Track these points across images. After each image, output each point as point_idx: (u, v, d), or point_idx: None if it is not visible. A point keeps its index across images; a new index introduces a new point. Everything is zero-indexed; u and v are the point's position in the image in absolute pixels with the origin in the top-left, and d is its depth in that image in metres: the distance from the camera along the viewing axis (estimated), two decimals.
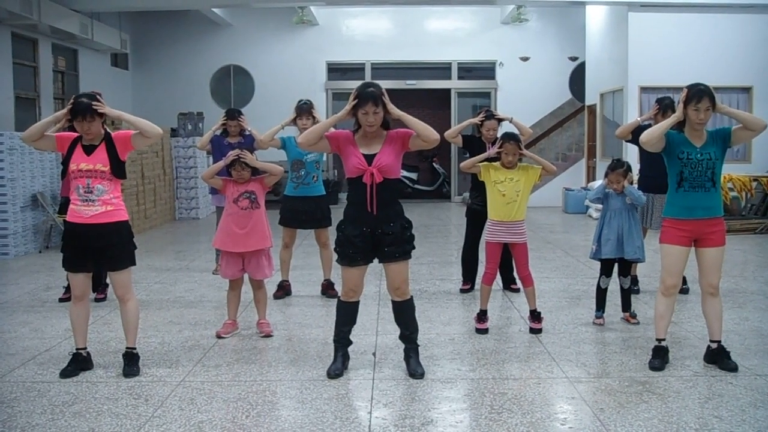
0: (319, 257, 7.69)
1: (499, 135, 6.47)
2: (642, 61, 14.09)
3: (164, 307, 7.22)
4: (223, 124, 8.09)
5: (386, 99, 4.84)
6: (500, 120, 7.36)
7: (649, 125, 6.01)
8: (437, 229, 13.75)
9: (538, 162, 6.30)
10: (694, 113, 4.93)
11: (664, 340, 5.24)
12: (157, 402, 4.63)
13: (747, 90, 14.19)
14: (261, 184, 6.07)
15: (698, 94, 4.93)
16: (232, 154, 6.02)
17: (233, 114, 8.16)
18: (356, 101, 4.81)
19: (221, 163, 6.12)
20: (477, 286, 7.24)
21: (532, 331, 6.18)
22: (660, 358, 5.18)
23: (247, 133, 8.03)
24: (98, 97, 5.04)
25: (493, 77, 19.08)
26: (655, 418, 4.29)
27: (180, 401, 4.64)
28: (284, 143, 7.23)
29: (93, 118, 4.93)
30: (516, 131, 6.54)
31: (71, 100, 4.99)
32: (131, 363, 5.20)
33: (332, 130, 5.19)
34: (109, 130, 5.14)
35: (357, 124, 4.96)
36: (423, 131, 4.83)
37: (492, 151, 6.31)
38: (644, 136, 5.02)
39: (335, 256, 5.16)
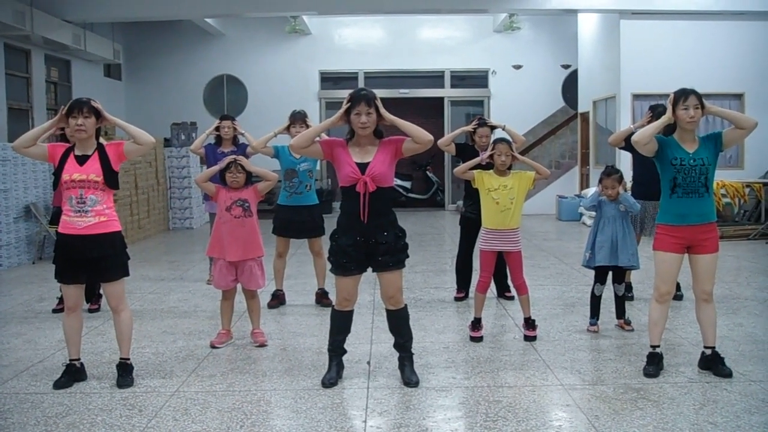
0: (313, 266, 7.68)
1: (492, 141, 6.48)
2: (634, 69, 14.15)
3: (158, 318, 7.20)
4: (217, 127, 8.15)
5: (379, 103, 4.85)
6: (493, 127, 7.38)
7: None
8: (431, 237, 13.76)
9: (530, 165, 6.31)
10: (683, 112, 4.97)
11: (658, 346, 5.24)
12: (151, 412, 4.61)
13: (739, 97, 14.26)
14: (254, 192, 6.07)
15: (684, 93, 5.02)
16: (228, 158, 6.05)
17: (227, 116, 8.34)
18: (349, 104, 4.83)
19: (216, 168, 6.14)
20: (471, 294, 7.24)
21: (527, 338, 6.17)
22: (654, 364, 5.19)
23: (241, 141, 8.15)
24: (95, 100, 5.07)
25: (486, 85, 19.13)
26: (650, 424, 4.29)
27: (174, 412, 4.62)
28: (277, 152, 7.24)
29: (89, 114, 4.95)
30: (509, 138, 6.55)
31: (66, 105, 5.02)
32: (125, 374, 5.18)
33: (324, 136, 5.19)
34: (102, 141, 5.14)
35: (350, 133, 4.96)
36: (415, 133, 4.83)
37: (484, 155, 6.32)
38: (636, 136, 5.05)
39: (329, 265, 5.16)
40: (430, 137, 4.88)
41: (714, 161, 5.07)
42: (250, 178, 6.08)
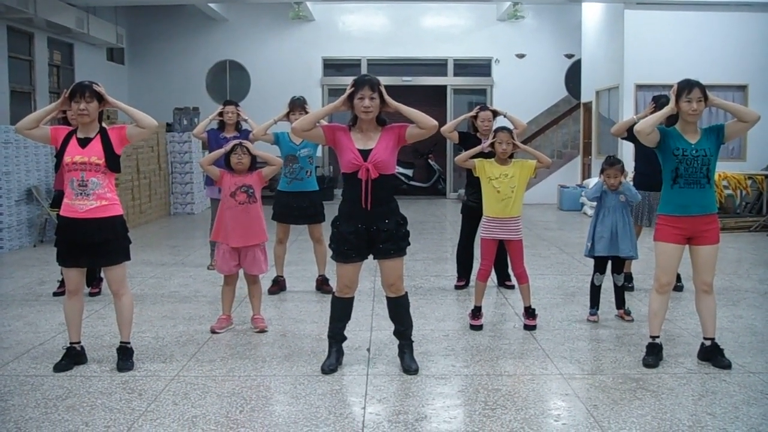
0: (313, 253, 7.69)
1: (493, 129, 6.48)
2: (638, 59, 14.11)
3: (159, 302, 7.22)
4: (221, 112, 8.18)
5: (383, 89, 4.84)
6: (495, 113, 7.36)
7: None
8: (432, 225, 13.76)
9: (532, 154, 6.30)
10: (686, 104, 4.96)
11: (658, 337, 5.25)
12: (151, 396, 4.63)
13: (743, 88, 14.22)
14: (259, 177, 6.06)
15: (688, 85, 5.00)
16: (234, 141, 6.07)
17: (230, 101, 8.41)
18: (353, 88, 4.82)
19: (221, 151, 6.14)
20: (472, 283, 7.25)
21: (527, 327, 6.18)
22: (654, 355, 5.19)
23: (244, 127, 8.18)
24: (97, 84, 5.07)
25: (488, 74, 19.08)
26: (649, 414, 4.30)
27: (174, 396, 4.64)
28: (277, 138, 7.24)
29: (91, 99, 4.94)
30: (510, 127, 6.54)
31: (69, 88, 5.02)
32: (125, 357, 5.19)
33: (323, 122, 5.17)
34: (104, 125, 5.14)
35: (352, 120, 4.95)
36: (420, 118, 4.83)
37: (486, 144, 6.31)
38: (639, 126, 5.05)
39: (329, 252, 5.16)
40: (435, 122, 4.87)
41: (716, 153, 5.07)
42: (255, 163, 6.08)
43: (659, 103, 6.84)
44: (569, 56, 18.62)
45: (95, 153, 4.95)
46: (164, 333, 6.11)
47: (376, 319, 6.41)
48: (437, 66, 19.30)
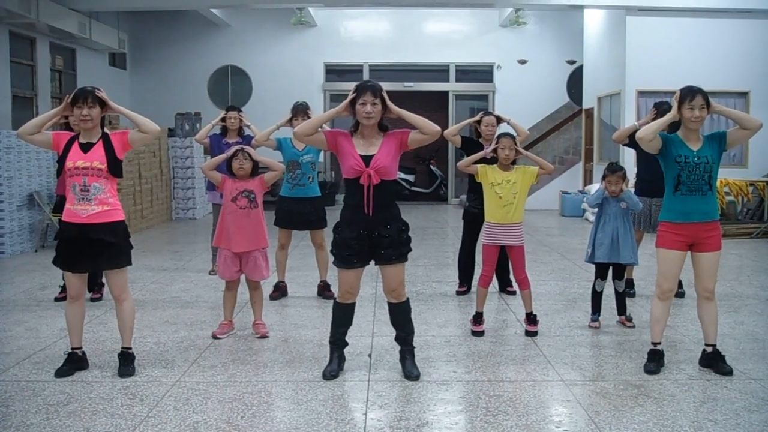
0: (315, 258, 7.69)
1: (496, 135, 6.49)
2: (640, 65, 14.12)
3: (160, 307, 7.21)
4: (223, 118, 8.19)
5: (385, 95, 4.85)
6: (499, 119, 7.37)
7: None
8: (434, 231, 13.75)
9: (534, 161, 6.30)
10: (688, 111, 4.96)
11: (659, 343, 5.24)
12: (153, 402, 4.62)
13: (744, 95, 14.22)
14: (260, 182, 6.07)
15: (690, 92, 4.99)
16: (236, 147, 6.09)
17: (233, 107, 8.41)
18: (355, 94, 4.83)
19: (223, 156, 6.15)
20: (473, 289, 7.24)
21: (528, 333, 6.18)
22: (655, 361, 5.19)
23: (246, 132, 8.21)
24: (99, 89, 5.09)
25: (490, 80, 19.10)
26: (650, 421, 4.29)
27: (175, 401, 4.64)
28: (280, 144, 7.24)
29: (94, 104, 4.96)
30: (513, 133, 6.55)
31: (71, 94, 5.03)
32: (127, 363, 5.19)
33: (326, 128, 5.18)
34: (107, 130, 5.15)
35: (354, 126, 4.96)
36: (423, 124, 4.84)
37: (488, 149, 6.32)
38: (641, 132, 5.04)
39: (331, 258, 5.16)
40: (437, 128, 4.89)
41: (718, 160, 5.07)
42: (257, 169, 6.09)
43: (661, 109, 6.83)
44: (571, 62, 18.65)
45: (97, 158, 4.96)
46: (165, 338, 6.11)
47: (378, 325, 6.41)
48: (439, 72, 19.33)
